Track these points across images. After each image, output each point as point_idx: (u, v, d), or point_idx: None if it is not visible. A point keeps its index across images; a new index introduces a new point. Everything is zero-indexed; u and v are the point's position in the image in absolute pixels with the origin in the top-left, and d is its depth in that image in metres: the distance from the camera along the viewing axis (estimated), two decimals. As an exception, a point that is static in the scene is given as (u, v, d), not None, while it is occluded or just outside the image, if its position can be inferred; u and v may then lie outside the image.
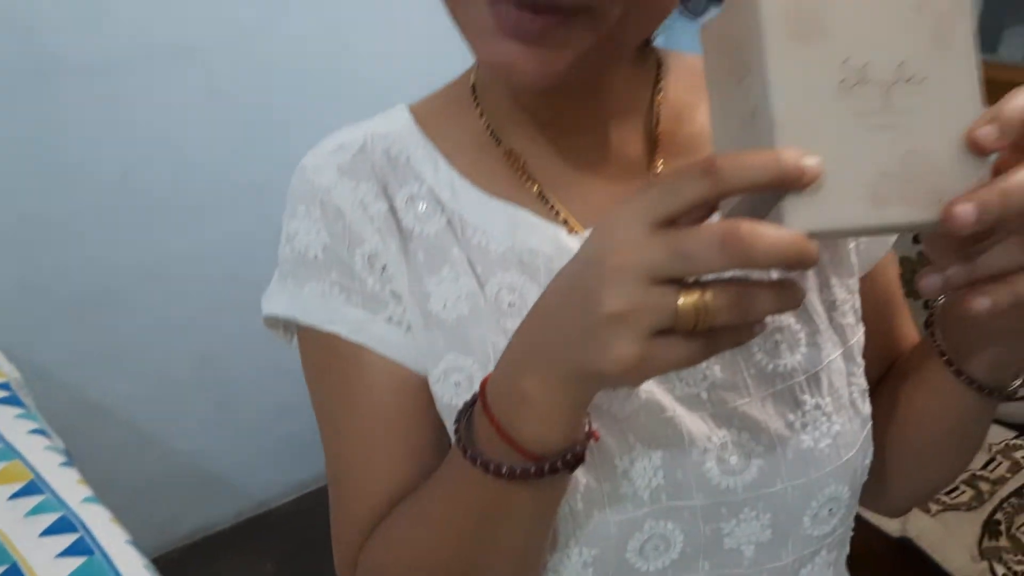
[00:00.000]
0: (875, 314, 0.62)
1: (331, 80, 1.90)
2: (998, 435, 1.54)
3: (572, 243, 0.55)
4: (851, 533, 0.63)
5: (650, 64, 0.59)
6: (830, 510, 0.57)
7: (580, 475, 0.52)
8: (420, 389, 0.56)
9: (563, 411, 0.43)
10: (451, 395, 0.55)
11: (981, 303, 0.41)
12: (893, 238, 0.62)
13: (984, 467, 1.50)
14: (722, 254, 0.35)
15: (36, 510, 1.01)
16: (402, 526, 0.54)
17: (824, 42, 0.37)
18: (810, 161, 0.36)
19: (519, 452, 0.43)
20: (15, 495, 1.04)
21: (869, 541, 1.38)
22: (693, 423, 0.54)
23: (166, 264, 1.84)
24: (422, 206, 0.56)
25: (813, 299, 0.57)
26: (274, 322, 0.60)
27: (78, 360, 1.77)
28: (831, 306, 0.58)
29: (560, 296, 0.42)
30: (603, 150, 0.57)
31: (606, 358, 0.38)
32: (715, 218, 0.39)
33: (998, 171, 0.39)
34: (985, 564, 1.30)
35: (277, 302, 0.58)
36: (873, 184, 0.38)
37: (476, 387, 0.52)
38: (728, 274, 0.38)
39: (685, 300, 0.37)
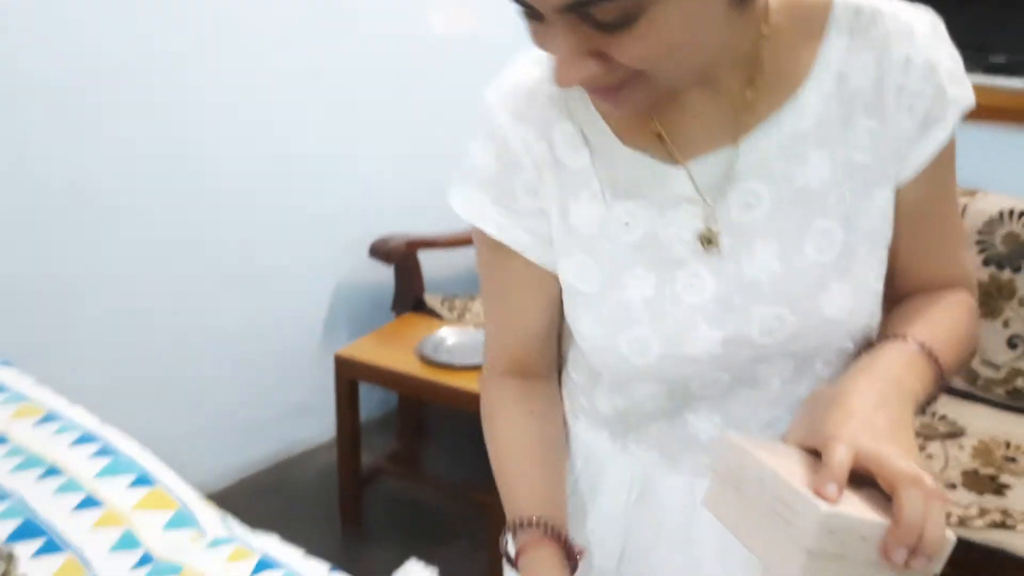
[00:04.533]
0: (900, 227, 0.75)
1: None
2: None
3: (674, 172, 0.73)
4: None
5: (757, 7, 0.69)
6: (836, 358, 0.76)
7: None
8: (543, 279, 0.78)
9: None
10: (575, 279, 0.76)
11: None
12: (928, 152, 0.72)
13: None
14: None
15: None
16: (490, 430, 0.84)
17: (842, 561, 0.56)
18: None
19: None
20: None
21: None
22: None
23: (119, 263, 2.01)
24: (571, 147, 0.75)
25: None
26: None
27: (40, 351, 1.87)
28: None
29: None
30: (710, 95, 0.72)
31: None
32: None
33: None
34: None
35: (455, 200, 0.78)
36: None
37: (597, 279, 0.75)
38: None
39: None
